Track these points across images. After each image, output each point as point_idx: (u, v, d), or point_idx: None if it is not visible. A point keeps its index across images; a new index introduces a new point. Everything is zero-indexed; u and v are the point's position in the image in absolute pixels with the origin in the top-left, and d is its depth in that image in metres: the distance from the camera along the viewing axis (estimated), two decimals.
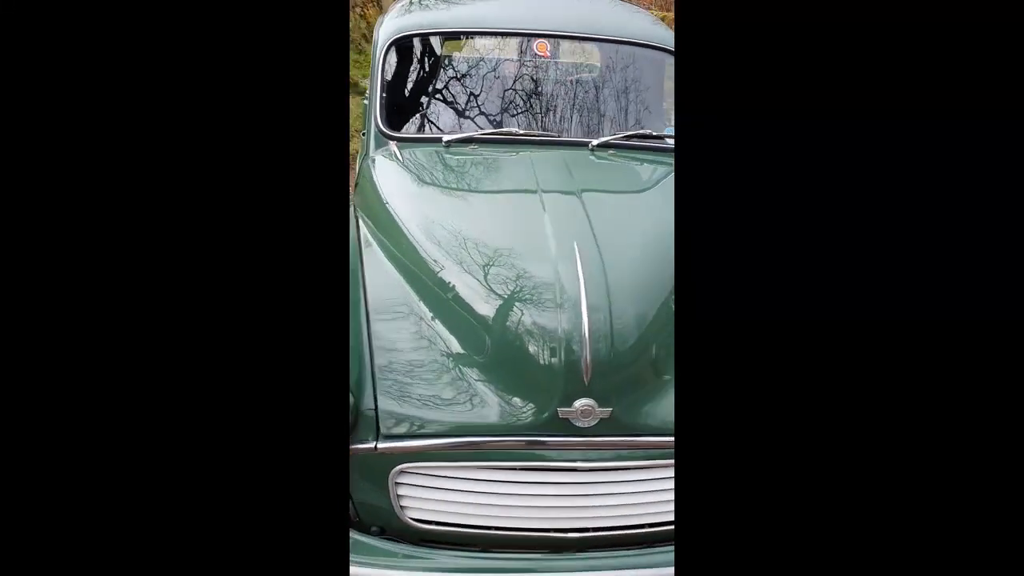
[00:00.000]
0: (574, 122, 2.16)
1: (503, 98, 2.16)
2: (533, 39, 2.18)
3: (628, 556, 1.32)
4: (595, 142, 2.00)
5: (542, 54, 2.19)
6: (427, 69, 2.28)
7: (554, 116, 2.17)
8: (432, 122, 2.17)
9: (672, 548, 1.30)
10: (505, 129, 2.06)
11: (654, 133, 2.11)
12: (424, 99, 2.23)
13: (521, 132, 2.05)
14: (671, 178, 1.95)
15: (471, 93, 2.19)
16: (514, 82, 2.21)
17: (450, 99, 2.20)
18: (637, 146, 2.08)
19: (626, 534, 1.34)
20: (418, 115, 2.20)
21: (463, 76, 2.23)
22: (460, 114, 2.17)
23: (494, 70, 2.23)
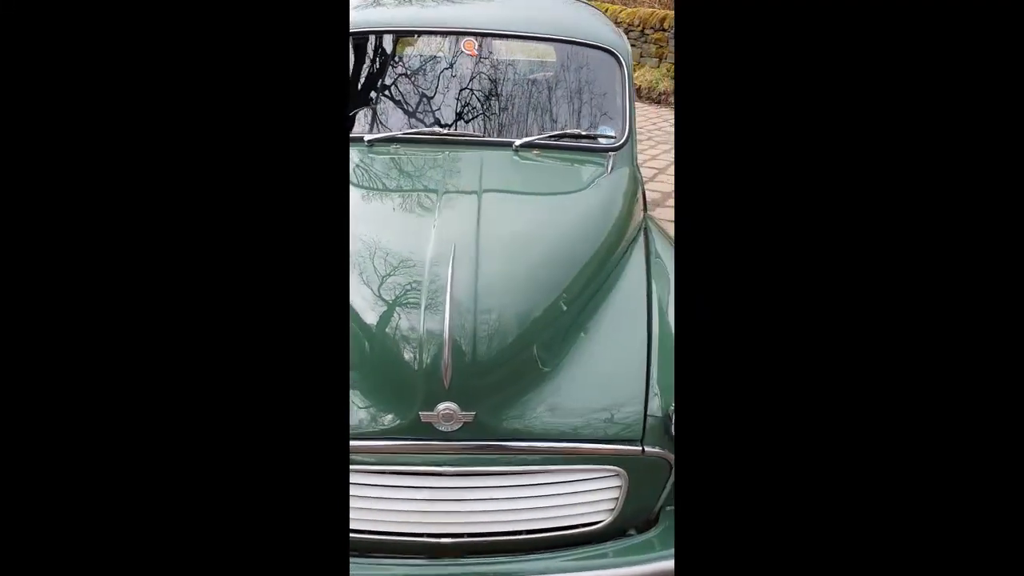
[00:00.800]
0: (504, 122, 2.15)
1: (431, 98, 2.16)
2: (461, 38, 2.19)
3: (504, 563, 1.34)
4: (518, 142, 2.00)
5: (469, 52, 2.19)
6: (363, 68, 2.27)
7: (485, 116, 2.16)
8: (383, 122, 2.18)
9: (548, 555, 1.35)
10: (427, 129, 2.06)
11: (583, 133, 2.11)
12: (356, 97, 2.22)
13: (444, 132, 2.06)
14: (593, 179, 1.96)
15: (402, 92, 2.21)
16: (439, 81, 2.20)
17: (380, 98, 2.22)
18: (567, 146, 2.07)
19: (501, 540, 1.36)
20: (350, 113, 2.17)
21: (397, 76, 2.25)
22: (388, 113, 2.19)
23: (421, 69, 2.23)
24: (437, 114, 2.15)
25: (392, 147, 2.00)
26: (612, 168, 2.01)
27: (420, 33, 2.29)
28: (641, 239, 1.87)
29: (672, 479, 1.41)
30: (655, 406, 1.37)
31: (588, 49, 2.23)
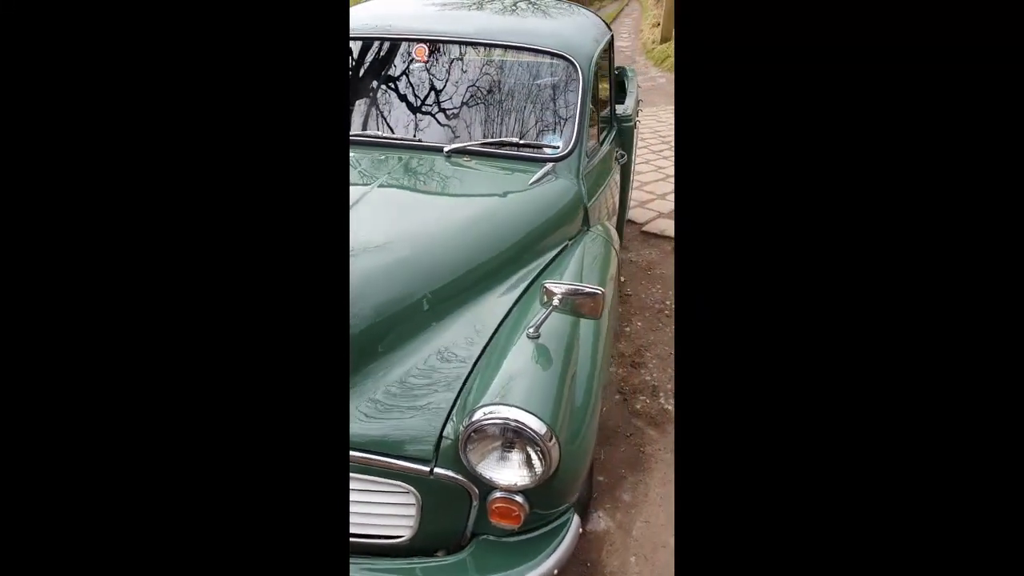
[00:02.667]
0: (446, 128, 2.21)
1: (378, 101, 2.28)
2: (414, 44, 2.28)
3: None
4: (448, 147, 2.08)
5: (419, 58, 2.28)
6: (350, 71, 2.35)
7: (422, 121, 2.24)
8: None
9: (355, 561, 1.37)
10: (369, 132, 2.21)
11: (520, 142, 2.14)
12: None
13: (383, 136, 2.19)
14: (513, 190, 1.97)
15: (359, 96, 2.32)
16: (386, 85, 2.31)
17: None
18: (501, 154, 2.11)
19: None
20: None
21: (357, 80, 2.33)
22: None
23: (377, 74, 2.31)
24: (387, 118, 2.26)
25: None
26: (543, 179, 2.02)
27: (375, 39, 2.35)
28: (549, 255, 1.85)
29: (477, 510, 1.40)
30: (450, 430, 1.35)
31: (547, 57, 2.24)
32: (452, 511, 1.41)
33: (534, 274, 1.79)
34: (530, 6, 2.65)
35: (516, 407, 1.30)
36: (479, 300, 1.67)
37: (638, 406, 2.49)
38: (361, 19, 2.41)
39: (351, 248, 1.56)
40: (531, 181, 2.00)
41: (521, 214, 1.89)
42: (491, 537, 1.45)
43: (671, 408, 2.47)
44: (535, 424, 1.29)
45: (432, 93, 2.25)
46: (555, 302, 1.43)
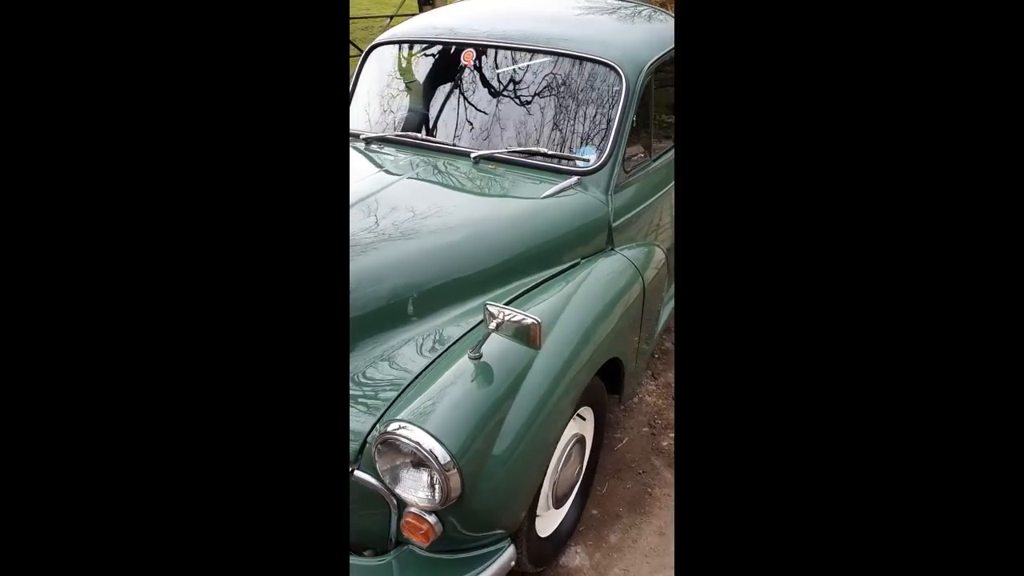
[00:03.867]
0: (481, 134, 2.14)
1: (425, 105, 2.27)
2: (464, 48, 2.22)
3: None
4: (475, 153, 2.02)
5: (466, 62, 2.21)
6: (388, 75, 2.40)
7: (466, 127, 2.19)
8: (386, 121, 2.32)
9: None
10: (410, 133, 2.20)
11: (548, 152, 2.01)
12: (372, 100, 2.37)
13: (421, 137, 2.17)
14: (522, 197, 1.87)
15: (402, 97, 2.34)
16: (435, 90, 2.29)
17: (386, 102, 2.35)
18: (529, 164, 2.00)
19: None
20: (363, 112, 2.35)
21: (410, 82, 2.36)
22: (389, 114, 2.33)
23: (436, 79, 2.27)
24: (430, 120, 2.24)
25: (376, 145, 2.18)
26: (563, 192, 1.91)
27: (430, 43, 2.35)
28: (552, 271, 1.76)
29: (397, 519, 1.36)
30: (375, 435, 1.30)
31: (590, 64, 2.08)
32: (374, 514, 1.38)
33: (526, 287, 1.69)
34: (598, 10, 2.46)
35: (424, 430, 1.24)
36: (463, 307, 1.59)
37: (664, 443, 2.28)
38: (428, 22, 2.42)
39: (356, 234, 1.60)
40: (546, 193, 1.88)
41: (526, 226, 1.79)
42: (416, 549, 1.39)
43: None
44: (439, 452, 1.23)
45: (474, 97, 2.19)
46: (492, 325, 1.34)
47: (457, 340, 1.49)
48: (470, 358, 1.36)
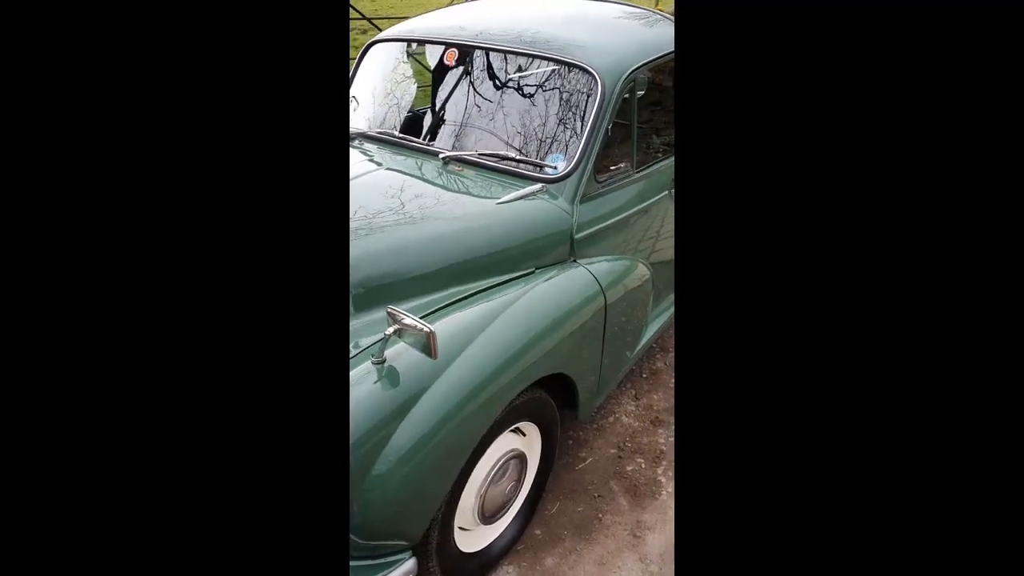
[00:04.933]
0: (454, 133, 2.12)
1: (399, 104, 2.30)
2: (448, 49, 2.21)
3: None
4: (444, 154, 2.00)
5: (449, 63, 2.19)
6: (388, 72, 2.40)
7: (446, 126, 2.17)
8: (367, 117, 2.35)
9: None
10: (387, 131, 2.22)
11: (513, 157, 1.96)
12: (364, 97, 2.40)
13: (397, 135, 2.17)
14: (477, 201, 1.83)
15: (381, 95, 2.36)
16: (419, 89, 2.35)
17: (373, 99, 2.38)
18: (495, 168, 1.96)
19: None
20: (356, 110, 2.38)
21: (402, 81, 2.36)
22: (370, 111, 2.34)
23: (434, 77, 2.25)
24: (410, 118, 2.27)
25: (357, 141, 2.22)
26: (521, 199, 1.84)
27: (420, 42, 2.36)
28: (499, 278, 1.70)
29: None
30: None
31: (566, 68, 1.99)
32: None
33: (467, 293, 1.62)
34: (601, 15, 2.36)
35: None
36: (398, 306, 1.55)
37: (629, 468, 2.17)
38: (423, 23, 2.43)
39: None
40: (500, 200, 1.82)
41: (474, 230, 1.73)
42: None
43: (666, 482, 2.12)
44: None
45: (454, 98, 2.16)
46: (390, 331, 1.31)
47: (378, 342, 1.45)
48: (373, 363, 1.32)
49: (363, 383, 1.31)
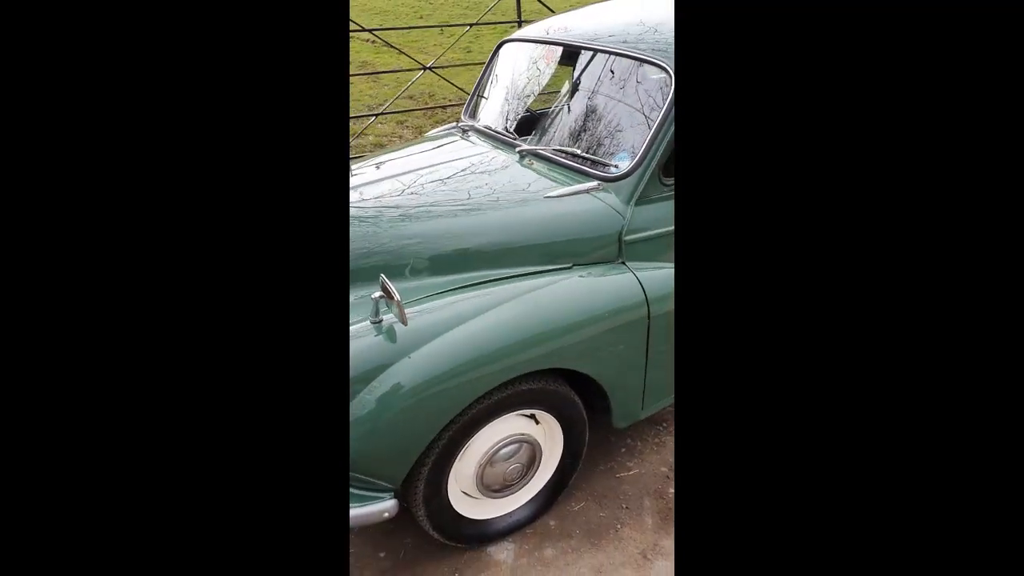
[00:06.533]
0: (537, 128, 2.22)
1: (505, 100, 2.46)
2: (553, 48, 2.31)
3: None
4: (520, 147, 2.13)
5: (545, 61, 2.33)
6: (502, 72, 2.56)
7: (533, 121, 2.30)
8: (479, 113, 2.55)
9: None
10: (482, 123, 2.43)
11: (581, 155, 1.99)
12: (486, 94, 2.60)
13: (493, 129, 2.35)
14: (529, 193, 1.89)
15: (494, 92, 2.54)
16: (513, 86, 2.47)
17: (486, 96, 2.58)
18: (564, 164, 2.01)
19: None
20: (472, 106, 2.62)
21: (508, 80, 2.52)
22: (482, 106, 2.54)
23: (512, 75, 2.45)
24: (503, 112, 2.42)
25: (456, 131, 2.49)
26: (572, 195, 1.85)
27: (540, 43, 2.46)
28: (534, 267, 1.75)
29: None
30: None
31: (646, 65, 1.93)
32: None
33: (496, 277, 1.71)
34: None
35: None
36: (435, 284, 1.69)
37: (671, 491, 2.08)
38: (543, 25, 2.55)
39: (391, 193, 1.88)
40: (549, 194, 1.85)
41: (515, 221, 1.80)
42: None
43: None
44: None
45: (544, 96, 2.35)
46: (375, 295, 1.48)
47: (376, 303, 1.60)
48: (371, 322, 1.49)
49: (365, 335, 1.48)
